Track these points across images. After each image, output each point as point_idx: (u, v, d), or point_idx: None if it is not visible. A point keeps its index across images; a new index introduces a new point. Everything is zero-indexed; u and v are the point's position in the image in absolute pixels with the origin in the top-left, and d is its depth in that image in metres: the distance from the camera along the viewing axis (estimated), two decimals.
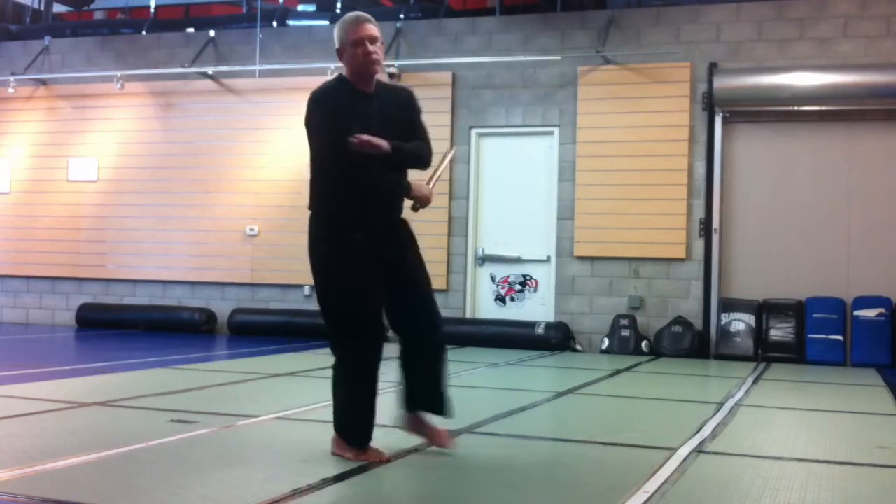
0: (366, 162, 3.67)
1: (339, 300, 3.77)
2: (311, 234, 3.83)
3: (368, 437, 3.82)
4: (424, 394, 3.97)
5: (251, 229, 10.96)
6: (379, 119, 3.80)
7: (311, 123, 3.80)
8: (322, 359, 3.83)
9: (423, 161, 3.96)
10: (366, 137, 3.61)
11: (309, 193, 3.86)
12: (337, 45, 3.84)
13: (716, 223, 9.47)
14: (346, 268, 3.75)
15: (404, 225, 4.01)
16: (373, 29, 3.81)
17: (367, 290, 3.77)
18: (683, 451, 4.18)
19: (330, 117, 3.72)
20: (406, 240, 3.99)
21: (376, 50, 3.76)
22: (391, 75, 10.12)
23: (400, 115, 3.91)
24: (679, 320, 9.39)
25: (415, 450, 4.06)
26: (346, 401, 3.82)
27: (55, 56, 12.05)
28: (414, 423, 4.01)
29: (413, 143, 3.89)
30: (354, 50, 3.77)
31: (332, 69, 10.22)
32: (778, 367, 8.68)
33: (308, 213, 3.87)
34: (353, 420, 3.82)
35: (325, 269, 3.79)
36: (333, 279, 3.78)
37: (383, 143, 3.65)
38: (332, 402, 3.88)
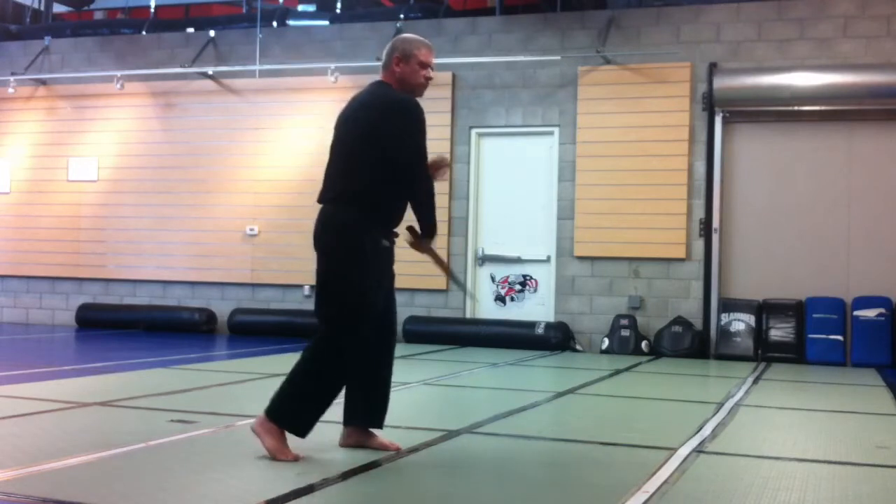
0: (409, 180, 3.86)
1: (361, 298, 3.81)
2: (345, 230, 3.81)
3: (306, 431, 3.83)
4: (367, 402, 4.05)
5: (251, 229, 10.96)
6: None
7: (411, 128, 3.84)
8: None
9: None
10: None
11: (337, 190, 3.87)
12: (398, 55, 3.96)
13: (716, 223, 9.47)
14: (377, 270, 3.85)
15: None
16: (434, 57, 4.07)
17: (382, 295, 3.92)
18: (683, 451, 4.18)
19: (424, 128, 3.89)
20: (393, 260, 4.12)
21: (433, 76, 4.05)
22: None
23: None
24: (679, 320, 9.39)
25: (414, 450, 4.07)
26: (313, 386, 3.80)
27: (55, 56, 12.05)
28: (351, 436, 4.04)
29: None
30: (419, 69, 3.97)
31: (332, 69, 10.23)
32: (778, 367, 8.68)
33: (318, 206, 3.93)
34: (307, 406, 3.81)
35: (357, 266, 3.80)
36: (361, 278, 3.80)
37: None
38: (285, 384, 3.84)
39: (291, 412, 3.80)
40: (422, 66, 3.97)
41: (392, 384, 4.12)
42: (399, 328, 9.93)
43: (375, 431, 4.04)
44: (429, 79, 4.01)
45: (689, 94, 9.61)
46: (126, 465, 3.65)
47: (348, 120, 3.93)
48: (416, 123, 3.84)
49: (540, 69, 10.10)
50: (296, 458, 3.73)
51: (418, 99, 3.92)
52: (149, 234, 11.35)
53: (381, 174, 3.81)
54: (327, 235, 3.86)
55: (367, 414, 4.01)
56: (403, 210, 3.97)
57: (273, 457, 3.72)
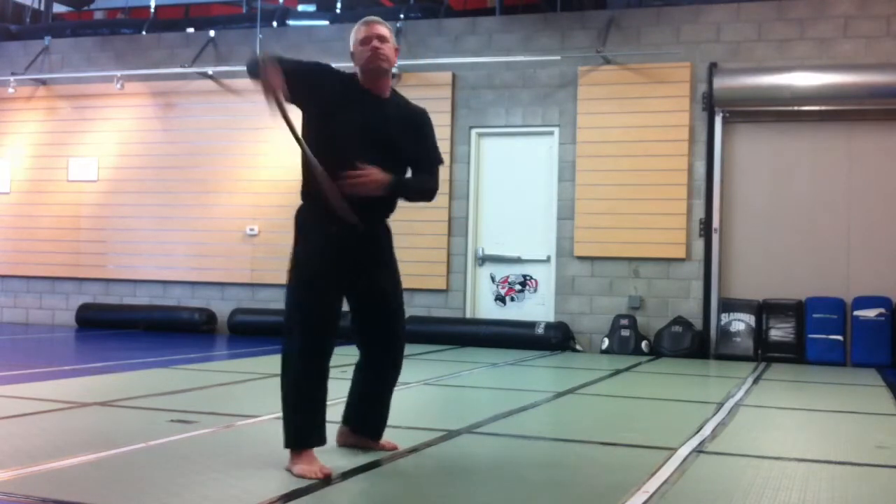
0: (352, 151, 3.63)
1: (298, 292, 3.63)
2: (294, 221, 3.82)
3: (310, 439, 3.59)
4: (368, 414, 3.96)
5: (251, 229, 10.96)
6: (386, 123, 3.78)
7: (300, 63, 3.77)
8: None
9: (426, 195, 3.93)
10: (361, 176, 3.59)
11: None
12: (351, 49, 3.86)
13: (716, 223, 9.47)
14: (315, 260, 3.65)
15: (386, 233, 3.92)
16: (381, 28, 3.81)
17: (330, 289, 3.65)
18: (683, 451, 4.18)
19: (320, 81, 3.75)
20: (385, 250, 3.89)
21: (383, 47, 3.76)
22: (392, 76, 10.12)
23: (411, 129, 3.87)
24: (679, 320, 9.39)
25: (413, 450, 4.06)
26: (290, 397, 3.62)
27: (55, 56, 12.06)
28: (348, 437, 3.99)
29: (419, 178, 3.90)
30: (362, 48, 3.77)
31: None
32: (778, 367, 8.68)
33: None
34: (294, 420, 3.60)
35: (296, 259, 3.71)
36: (300, 271, 3.66)
37: (380, 180, 3.62)
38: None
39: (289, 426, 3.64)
40: (364, 43, 3.77)
41: (350, 395, 4.08)
42: None
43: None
44: (376, 48, 3.74)
45: (689, 94, 9.61)
46: (126, 465, 3.65)
47: None
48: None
49: (540, 69, 10.11)
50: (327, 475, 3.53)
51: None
52: (149, 234, 11.35)
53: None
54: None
55: (365, 425, 3.98)
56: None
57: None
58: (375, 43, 3.76)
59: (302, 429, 3.57)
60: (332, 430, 4.04)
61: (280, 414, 3.67)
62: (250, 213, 10.97)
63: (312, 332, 3.59)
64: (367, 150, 3.68)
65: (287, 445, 3.58)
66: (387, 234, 3.93)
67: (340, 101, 3.76)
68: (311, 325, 3.59)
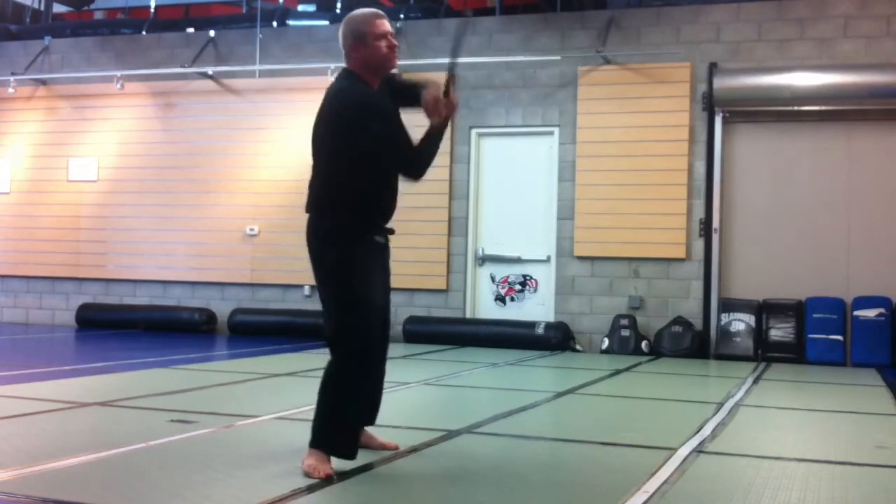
0: (395, 170, 3.69)
1: (359, 304, 3.60)
2: (328, 237, 3.63)
3: (345, 450, 3.61)
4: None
5: (251, 229, 10.96)
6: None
7: (368, 127, 3.55)
8: (321, 359, 3.82)
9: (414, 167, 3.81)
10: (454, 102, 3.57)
11: (316, 196, 3.69)
12: (351, 41, 3.66)
13: (716, 223, 9.47)
14: (369, 271, 3.67)
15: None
16: (390, 25, 3.78)
17: (380, 295, 3.75)
18: (683, 451, 4.18)
19: (390, 121, 3.60)
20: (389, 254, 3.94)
21: (397, 45, 3.74)
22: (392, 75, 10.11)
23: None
24: (679, 320, 9.39)
25: (413, 450, 4.07)
26: (342, 408, 3.60)
27: (55, 56, 12.06)
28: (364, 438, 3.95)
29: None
30: (378, 43, 3.64)
31: (332, 69, 10.22)
32: (778, 367, 8.68)
33: (306, 215, 3.72)
34: (344, 429, 3.61)
35: (348, 272, 3.61)
36: (356, 283, 3.60)
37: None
38: (318, 411, 3.62)
39: (337, 434, 3.64)
40: (380, 38, 3.65)
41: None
42: (399, 328, 9.94)
43: (373, 431, 4.02)
44: (393, 47, 3.67)
45: (689, 94, 9.61)
46: (126, 465, 3.65)
47: (317, 122, 3.71)
48: (370, 121, 3.55)
49: (540, 69, 10.11)
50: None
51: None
52: (149, 234, 11.35)
53: (352, 177, 3.61)
54: (315, 243, 3.68)
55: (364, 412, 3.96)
56: (391, 206, 3.79)
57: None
58: (393, 40, 3.72)
59: (342, 439, 3.58)
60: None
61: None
62: (250, 213, 10.97)
63: (370, 352, 3.65)
64: None
65: (318, 446, 3.54)
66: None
67: (396, 116, 3.75)
68: (369, 344, 3.64)
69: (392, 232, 3.84)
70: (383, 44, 3.66)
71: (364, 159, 3.61)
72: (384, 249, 3.80)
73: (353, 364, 3.60)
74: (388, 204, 3.77)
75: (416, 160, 3.60)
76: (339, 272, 3.61)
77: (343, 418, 3.60)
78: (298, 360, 8.20)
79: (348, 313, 3.61)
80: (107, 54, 11.83)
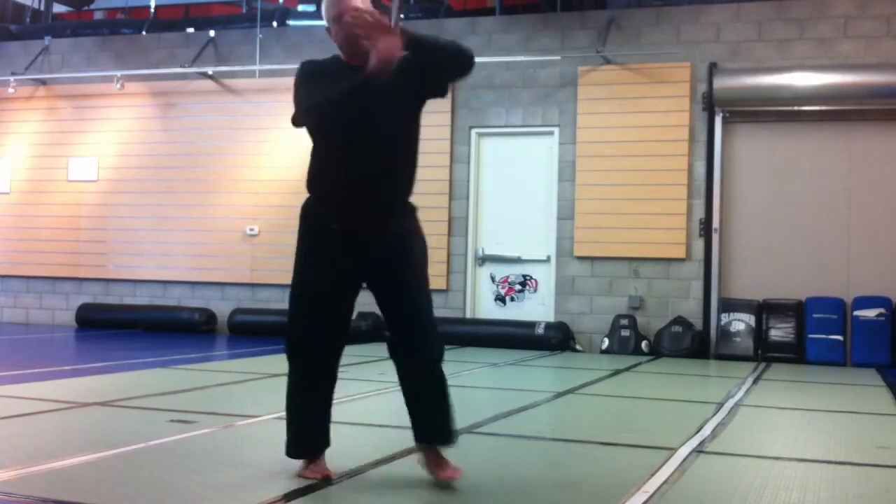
0: (351, 135, 3.39)
1: (301, 298, 3.57)
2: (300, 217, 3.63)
3: (307, 449, 3.50)
4: (424, 423, 3.51)
5: (251, 229, 10.96)
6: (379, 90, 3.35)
7: (294, 95, 3.50)
8: None
9: (461, 58, 3.38)
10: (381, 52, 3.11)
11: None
12: (328, 27, 3.48)
13: (716, 223, 9.47)
14: (312, 256, 3.57)
15: (409, 218, 3.68)
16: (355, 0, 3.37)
17: (333, 292, 3.51)
18: (683, 451, 4.18)
19: (301, 86, 3.46)
20: (405, 238, 3.63)
21: (360, 14, 3.23)
22: None
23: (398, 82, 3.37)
24: (679, 320, 9.39)
25: (414, 450, 4.06)
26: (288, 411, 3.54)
27: (55, 56, 12.05)
28: (422, 457, 3.55)
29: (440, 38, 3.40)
30: (336, 27, 3.42)
31: None
32: (778, 367, 8.68)
33: None
34: (288, 428, 3.52)
35: (297, 262, 3.63)
36: (296, 268, 3.62)
37: (395, 53, 3.12)
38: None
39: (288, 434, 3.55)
40: (336, 23, 3.39)
41: (392, 384, 4.11)
42: None
43: (438, 457, 3.51)
44: (356, 18, 3.20)
45: (689, 94, 9.61)
46: (126, 465, 3.65)
47: None
48: (294, 86, 3.43)
49: (540, 69, 10.10)
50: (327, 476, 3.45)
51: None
52: (149, 234, 11.35)
53: (312, 152, 3.56)
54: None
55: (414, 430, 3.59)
56: (350, 183, 3.42)
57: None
58: (353, 13, 3.33)
59: (295, 438, 3.51)
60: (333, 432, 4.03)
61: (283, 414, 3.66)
62: (250, 213, 10.97)
63: (300, 353, 3.51)
64: None
65: (286, 454, 3.52)
66: (409, 227, 3.69)
67: (334, 83, 3.54)
68: (298, 344, 3.52)
69: (373, 227, 3.49)
70: (344, 18, 3.33)
71: (312, 137, 3.58)
72: (346, 240, 3.47)
73: (289, 364, 3.52)
74: (342, 188, 3.44)
75: (317, 104, 3.42)
76: (295, 263, 3.63)
77: (289, 422, 3.53)
78: None
79: (289, 301, 3.63)
80: (107, 54, 11.83)
